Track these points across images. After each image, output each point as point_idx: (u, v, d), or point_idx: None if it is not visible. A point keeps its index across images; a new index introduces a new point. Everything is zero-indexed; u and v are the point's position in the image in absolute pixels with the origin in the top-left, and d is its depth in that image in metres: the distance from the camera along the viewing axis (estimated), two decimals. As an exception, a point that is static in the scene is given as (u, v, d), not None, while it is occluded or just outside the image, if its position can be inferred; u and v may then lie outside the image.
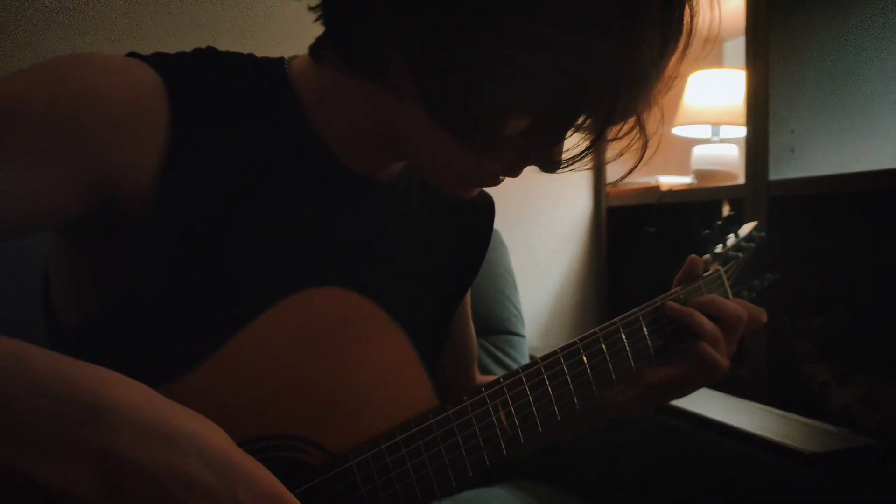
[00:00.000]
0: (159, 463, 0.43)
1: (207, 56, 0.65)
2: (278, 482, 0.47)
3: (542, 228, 1.94)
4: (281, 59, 0.68)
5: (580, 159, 0.63)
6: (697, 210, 1.80)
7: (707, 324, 0.78)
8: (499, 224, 0.89)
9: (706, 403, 1.18)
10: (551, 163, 0.62)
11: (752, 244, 0.94)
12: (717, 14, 0.66)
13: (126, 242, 0.58)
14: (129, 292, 0.58)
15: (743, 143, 1.52)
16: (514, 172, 0.65)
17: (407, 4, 0.55)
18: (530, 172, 0.66)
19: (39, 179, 0.52)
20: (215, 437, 0.45)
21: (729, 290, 0.87)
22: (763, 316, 0.83)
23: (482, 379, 0.89)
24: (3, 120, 0.51)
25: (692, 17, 0.59)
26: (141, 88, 0.57)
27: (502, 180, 0.66)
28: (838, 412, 1.33)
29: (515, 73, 0.54)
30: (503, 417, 0.67)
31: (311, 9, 0.62)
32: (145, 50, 0.63)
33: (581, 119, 0.58)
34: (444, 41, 0.54)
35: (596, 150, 0.64)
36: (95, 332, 0.60)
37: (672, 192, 1.76)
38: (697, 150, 1.83)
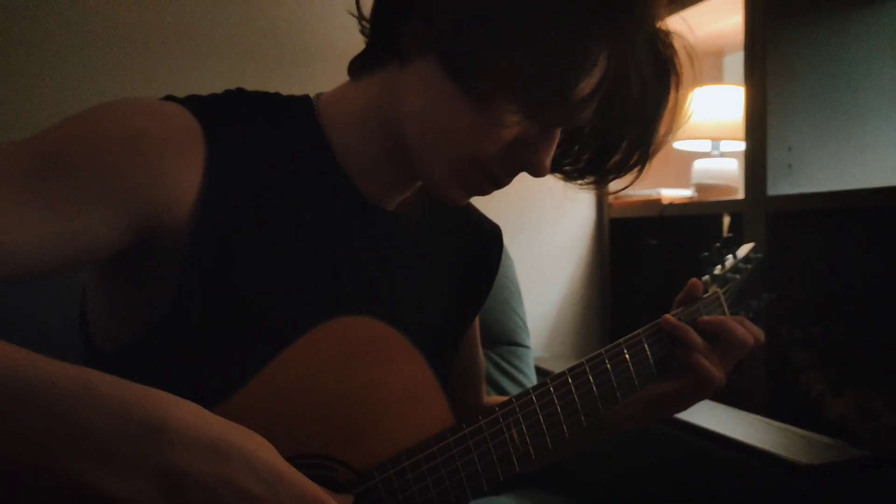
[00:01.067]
0: (213, 475, 0.48)
1: (237, 97, 0.69)
2: (321, 491, 0.52)
3: (546, 240, 1.98)
4: (307, 97, 0.73)
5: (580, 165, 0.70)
6: (698, 223, 1.85)
7: (699, 339, 0.82)
8: (504, 236, 0.93)
9: (706, 415, 1.22)
10: (539, 163, 0.66)
11: (750, 265, 0.98)
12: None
13: (163, 273, 0.63)
14: (165, 321, 0.62)
15: (743, 157, 1.57)
16: (504, 168, 0.67)
17: None
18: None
19: (90, 220, 0.57)
20: (262, 451, 0.51)
21: (727, 311, 0.91)
22: (761, 336, 0.87)
23: (491, 399, 0.94)
24: (54, 167, 0.56)
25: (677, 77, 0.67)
26: (179, 131, 0.62)
27: (492, 189, 0.70)
28: (834, 421, 1.38)
29: (513, 21, 0.59)
30: (515, 436, 0.72)
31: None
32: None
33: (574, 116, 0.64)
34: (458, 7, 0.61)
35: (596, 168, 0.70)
36: (132, 357, 0.64)
37: (673, 205, 1.80)
38: (698, 164, 1.87)
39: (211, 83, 1.57)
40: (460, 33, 0.61)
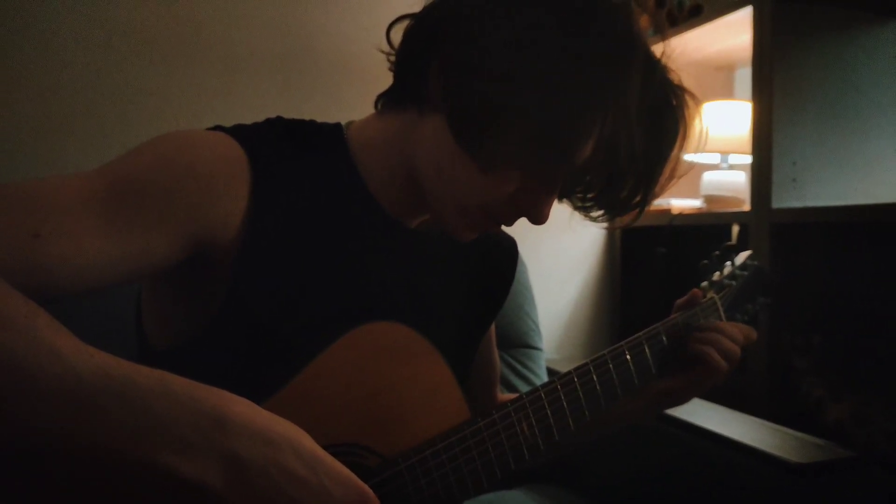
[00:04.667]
0: (266, 459, 0.56)
1: (277, 125, 0.78)
2: (353, 474, 0.60)
3: (559, 246, 2.04)
4: (339, 125, 0.81)
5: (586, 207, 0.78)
6: (707, 232, 1.91)
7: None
8: (519, 243, 1.00)
9: (707, 416, 1.29)
10: (539, 213, 0.74)
11: (746, 272, 1.05)
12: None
13: (212, 285, 0.71)
14: (213, 327, 0.70)
15: (750, 170, 1.63)
16: (508, 215, 0.76)
17: (444, 40, 0.70)
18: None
19: (152, 239, 0.64)
20: (305, 440, 0.59)
21: (723, 315, 0.98)
22: (753, 333, 0.94)
23: (504, 397, 1.02)
24: (124, 193, 0.64)
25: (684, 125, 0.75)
26: (228, 158, 0.70)
27: (497, 228, 0.79)
28: (831, 425, 1.44)
29: (520, 100, 0.67)
30: (525, 428, 0.79)
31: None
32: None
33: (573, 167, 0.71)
34: (464, 71, 0.69)
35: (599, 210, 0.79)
36: (183, 358, 0.71)
37: (682, 215, 1.86)
38: (707, 176, 1.93)
39: (238, 94, 1.66)
40: (468, 104, 0.69)
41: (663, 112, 0.76)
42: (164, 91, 1.61)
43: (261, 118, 0.79)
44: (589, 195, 0.80)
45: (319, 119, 0.82)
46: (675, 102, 0.76)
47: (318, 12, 1.73)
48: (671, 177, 0.78)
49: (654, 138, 0.74)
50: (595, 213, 0.81)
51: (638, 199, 0.77)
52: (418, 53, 0.74)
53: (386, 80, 0.81)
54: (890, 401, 1.39)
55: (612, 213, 0.80)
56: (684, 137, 0.77)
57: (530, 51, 0.66)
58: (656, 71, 0.74)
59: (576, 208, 0.82)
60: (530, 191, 0.73)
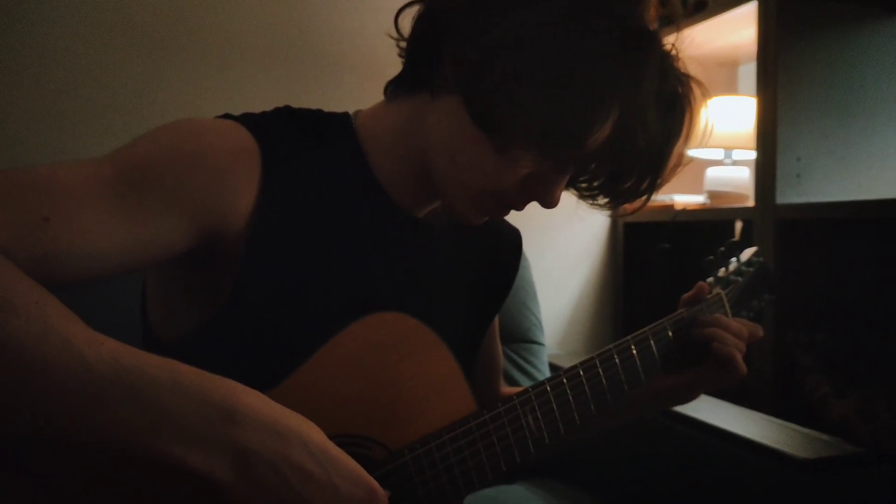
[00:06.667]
0: (275, 453, 0.55)
1: (286, 114, 0.77)
2: (362, 469, 0.59)
3: (562, 243, 2.04)
4: (347, 114, 0.80)
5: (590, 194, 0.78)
6: (710, 228, 1.90)
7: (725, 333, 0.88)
8: (522, 238, 0.99)
9: (712, 411, 1.28)
10: (550, 197, 0.74)
11: (752, 269, 1.04)
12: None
13: (221, 275, 0.70)
14: (222, 316, 0.69)
15: (754, 166, 1.63)
16: (519, 199, 0.75)
17: (459, 23, 0.69)
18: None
19: (163, 226, 0.64)
20: (314, 433, 0.58)
21: (729, 311, 0.98)
22: (759, 331, 0.94)
23: (507, 389, 1.01)
24: (134, 180, 0.63)
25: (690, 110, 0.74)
26: (239, 147, 0.69)
27: (507, 212, 0.78)
28: (836, 422, 1.43)
29: (537, 86, 0.66)
30: (531, 421, 0.79)
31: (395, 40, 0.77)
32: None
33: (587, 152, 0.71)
34: (482, 55, 0.67)
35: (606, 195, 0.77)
36: (190, 348, 0.70)
37: (685, 211, 1.86)
38: (711, 172, 1.92)
39: (237, 86, 1.65)
40: (486, 86, 0.68)
41: (674, 101, 0.75)
42: (163, 84, 1.61)
43: (259, 110, 0.78)
44: (595, 183, 0.79)
45: (319, 111, 0.81)
46: (683, 91, 0.76)
47: (316, 4, 1.72)
48: (678, 163, 0.78)
49: (665, 126, 0.74)
50: (601, 201, 0.80)
51: (645, 185, 0.77)
52: (431, 38, 0.73)
53: (384, 71, 0.80)
54: (895, 397, 1.38)
55: (619, 201, 0.80)
56: (691, 125, 0.76)
57: (547, 37, 0.66)
58: (669, 60, 0.74)
59: (581, 196, 0.81)
60: (542, 174, 0.73)
